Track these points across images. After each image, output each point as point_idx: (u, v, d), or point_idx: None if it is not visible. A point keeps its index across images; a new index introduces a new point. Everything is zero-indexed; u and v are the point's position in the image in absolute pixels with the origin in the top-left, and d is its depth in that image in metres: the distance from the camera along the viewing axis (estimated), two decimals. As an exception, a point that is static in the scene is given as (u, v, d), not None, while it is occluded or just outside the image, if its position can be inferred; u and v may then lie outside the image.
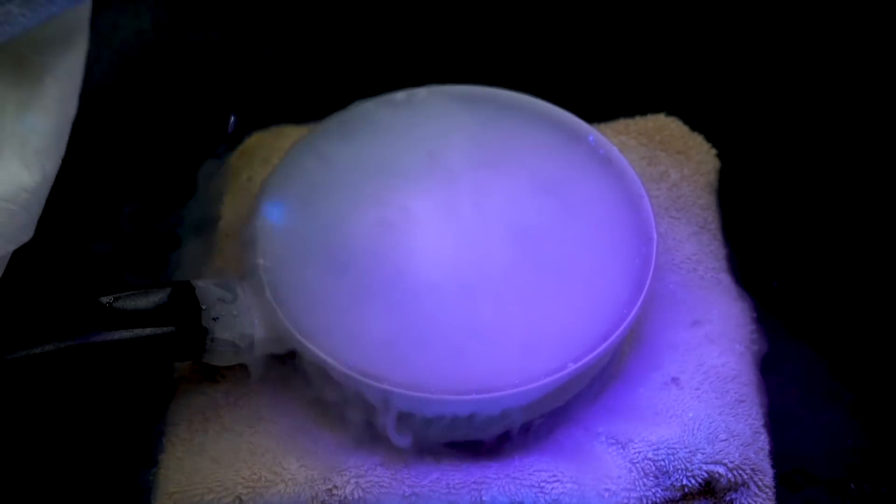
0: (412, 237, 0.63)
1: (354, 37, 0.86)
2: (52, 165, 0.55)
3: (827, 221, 0.76)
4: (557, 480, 0.60)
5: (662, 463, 0.60)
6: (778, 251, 0.75)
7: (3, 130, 0.53)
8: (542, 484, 0.60)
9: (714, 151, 0.74)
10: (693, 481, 0.60)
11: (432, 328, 0.60)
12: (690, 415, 0.62)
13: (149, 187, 0.78)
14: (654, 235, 0.63)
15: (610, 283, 0.62)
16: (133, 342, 0.58)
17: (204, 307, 0.60)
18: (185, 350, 0.59)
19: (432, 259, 0.62)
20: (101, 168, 0.79)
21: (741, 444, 0.61)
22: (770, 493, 0.61)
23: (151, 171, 0.79)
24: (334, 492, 0.60)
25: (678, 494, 0.60)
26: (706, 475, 0.60)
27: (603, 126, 0.74)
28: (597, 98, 0.80)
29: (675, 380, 0.64)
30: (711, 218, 0.71)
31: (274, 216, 0.64)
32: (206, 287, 0.60)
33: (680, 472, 0.60)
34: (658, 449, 0.60)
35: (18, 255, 0.70)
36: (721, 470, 0.60)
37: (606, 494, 0.60)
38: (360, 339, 0.59)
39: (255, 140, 0.75)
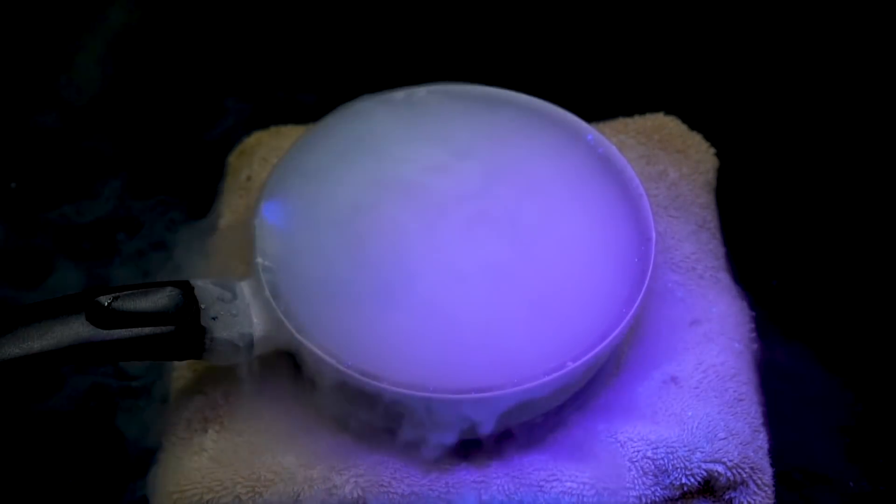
0: (411, 236, 0.63)
1: (354, 36, 0.87)
2: None
3: (826, 220, 0.76)
4: (557, 479, 0.60)
5: (662, 462, 0.60)
6: (777, 250, 0.75)
7: None
8: (542, 483, 0.60)
9: (713, 150, 0.74)
10: (692, 480, 0.60)
11: (431, 327, 0.60)
12: (689, 413, 0.62)
13: (148, 186, 0.79)
14: (653, 234, 0.63)
15: (609, 282, 0.62)
16: (132, 342, 0.58)
17: (203, 306, 0.60)
18: (184, 349, 0.59)
19: (431, 258, 0.62)
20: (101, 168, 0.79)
21: (740, 443, 0.61)
22: (769, 492, 0.61)
23: (152, 171, 0.80)
24: (334, 491, 0.60)
25: (677, 493, 0.60)
26: (705, 474, 0.60)
27: (602, 125, 0.74)
28: (596, 97, 0.80)
29: (674, 378, 0.64)
30: (710, 217, 0.71)
31: (273, 216, 0.64)
32: (205, 286, 0.61)
33: (679, 470, 0.60)
34: (657, 448, 0.60)
35: (18, 255, 0.70)
36: (720, 468, 0.60)
37: (606, 493, 0.60)
38: (359, 338, 0.59)
39: (254, 139, 0.75)
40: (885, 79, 0.82)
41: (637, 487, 0.60)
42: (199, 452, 0.61)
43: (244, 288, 0.62)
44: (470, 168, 0.66)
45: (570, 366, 0.58)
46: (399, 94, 0.69)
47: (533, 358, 0.59)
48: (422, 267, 0.62)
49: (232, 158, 0.75)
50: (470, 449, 0.61)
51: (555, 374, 0.58)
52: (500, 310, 0.61)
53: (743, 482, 0.60)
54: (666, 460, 0.60)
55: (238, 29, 0.87)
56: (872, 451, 0.66)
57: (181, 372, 0.65)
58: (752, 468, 0.60)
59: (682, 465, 0.60)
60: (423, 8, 0.86)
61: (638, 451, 0.61)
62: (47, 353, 0.56)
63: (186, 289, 0.60)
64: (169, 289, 0.59)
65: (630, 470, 0.60)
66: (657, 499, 0.60)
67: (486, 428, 0.61)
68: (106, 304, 0.57)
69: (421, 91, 0.69)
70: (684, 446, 0.60)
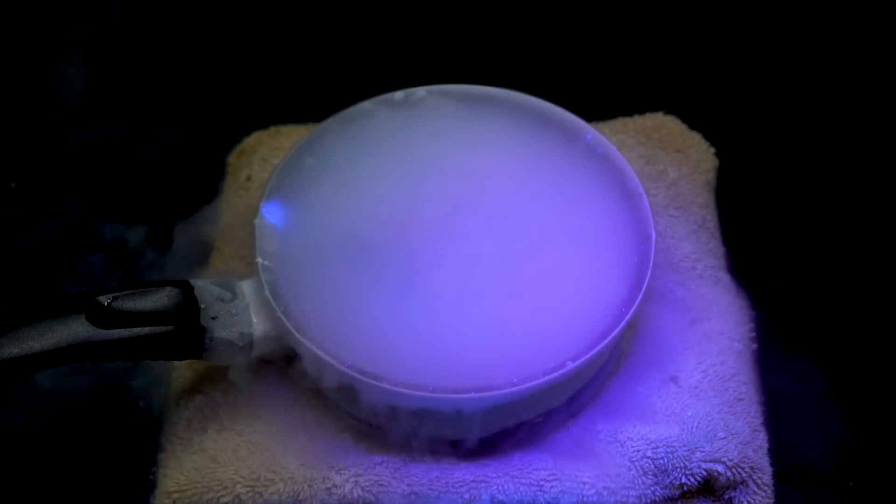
0: (411, 236, 0.63)
1: (353, 36, 0.87)
2: None
3: (825, 220, 0.76)
4: (556, 479, 0.60)
5: (661, 461, 0.60)
6: (776, 249, 0.75)
7: None
8: (542, 482, 0.60)
9: (712, 150, 0.74)
10: (692, 479, 0.60)
11: (431, 327, 0.60)
12: (689, 413, 0.62)
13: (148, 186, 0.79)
14: (653, 234, 0.63)
15: (608, 282, 0.62)
16: (132, 341, 0.58)
17: (203, 306, 0.60)
18: (183, 349, 0.59)
19: (431, 258, 0.62)
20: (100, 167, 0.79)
21: (740, 443, 0.61)
22: (769, 491, 0.61)
23: (151, 171, 0.80)
24: (333, 490, 0.60)
25: (677, 493, 0.60)
26: (705, 473, 0.60)
27: (601, 125, 0.74)
28: (595, 97, 0.80)
29: (673, 378, 0.64)
30: (710, 216, 0.71)
31: (273, 216, 0.64)
32: (205, 286, 0.61)
33: (679, 470, 0.60)
34: (657, 447, 0.60)
35: (18, 256, 0.70)
36: (720, 468, 0.60)
37: (605, 493, 0.60)
38: (358, 338, 0.59)
39: (254, 139, 0.75)
40: (886, 79, 0.82)
41: (637, 487, 0.60)
42: (199, 452, 0.62)
43: (244, 288, 0.62)
44: (469, 168, 0.66)
45: (570, 365, 0.58)
46: (399, 95, 0.69)
47: (532, 358, 0.59)
48: (421, 267, 0.62)
49: (232, 158, 0.75)
50: (470, 448, 0.61)
51: (554, 374, 0.58)
52: (499, 309, 0.61)
53: (743, 482, 0.60)
54: (666, 460, 0.60)
55: (238, 29, 0.87)
56: (872, 450, 0.66)
57: (181, 372, 0.65)
58: (751, 468, 0.60)
59: (682, 464, 0.60)
60: (422, 8, 0.86)
61: (638, 451, 0.61)
62: (47, 352, 0.56)
63: (186, 288, 0.60)
64: (168, 288, 0.59)
65: (630, 469, 0.60)
66: (657, 498, 0.60)
67: (486, 427, 0.61)
68: (106, 303, 0.57)
69: (420, 91, 0.69)
70: (684, 446, 0.60)
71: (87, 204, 0.77)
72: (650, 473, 0.60)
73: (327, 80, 0.84)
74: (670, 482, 0.60)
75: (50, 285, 0.73)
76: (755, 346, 0.66)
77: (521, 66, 0.84)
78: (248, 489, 0.60)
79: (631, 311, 0.60)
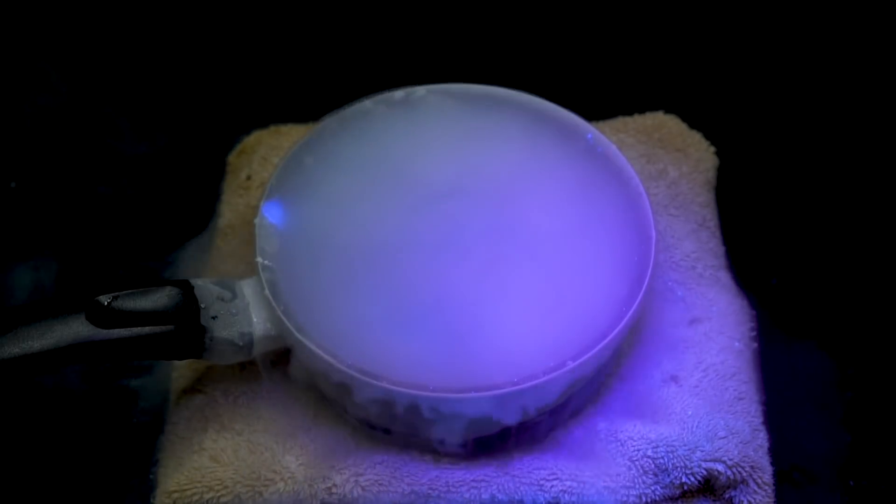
0: (411, 236, 0.63)
1: (353, 36, 0.86)
2: None
3: (826, 219, 0.76)
4: (557, 478, 0.60)
5: (662, 461, 0.60)
6: (777, 248, 0.75)
7: None
8: (542, 482, 0.60)
9: (713, 149, 0.74)
10: (692, 479, 0.60)
11: (431, 327, 0.60)
12: (689, 412, 0.62)
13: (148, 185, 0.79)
14: (653, 233, 0.63)
15: (608, 281, 0.62)
16: (132, 341, 0.58)
17: (203, 306, 0.60)
18: (183, 349, 0.59)
19: (431, 258, 0.62)
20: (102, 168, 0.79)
21: (740, 442, 0.61)
22: (769, 491, 0.61)
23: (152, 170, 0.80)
24: (333, 490, 0.60)
25: (677, 492, 0.60)
26: (705, 473, 0.60)
27: (601, 124, 0.74)
28: (595, 96, 0.80)
29: (674, 377, 0.64)
30: (710, 215, 0.71)
31: (273, 215, 0.64)
32: (205, 286, 0.61)
33: (679, 469, 0.60)
34: (657, 447, 0.60)
35: (17, 255, 0.70)
36: (720, 467, 0.60)
37: (606, 492, 0.60)
38: (359, 337, 0.59)
39: (254, 139, 0.75)
40: (886, 79, 0.82)
41: (637, 486, 0.60)
42: (200, 451, 0.62)
43: (244, 287, 0.62)
44: (469, 167, 0.66)
45: (570, 365, 0.58)
46: (398, 94, 0.69)
47: (533, 357, 0.59)
48: (422, 266, 0.62)
49: (232, 158, 0.75)
50: (470, 448, 0.61)
51: (555, 374, 0.58)
52: (500, 309, 0.61)
53: (743, 481, 0.60)
54: (666, 459, 0.60)
55: (238, 28, 0.87)
56: (873, 449, 0.66)
57: (181, 371, 0.65)
58: (752, 467, 0.60)
59: (682, 463, 0.60)
60: (422, 7, 0.86)
61: (638, 450, 0.61)
62: (47, 352, 0.56)
63: (186, 288, 0.60)
64: (168, 288, 0.59)
65: (630, 469, 0.60)
66: (657, 498, 0.60)
67: (486, 427, 0.61)
68: (106, 303, 0.57)
69: (420, 90, 0.69)
70: (684, 445, 0.60)
71: (87, 203, 0.77)
72: (650, 473, 0.60)
73: (327, 79, 0.84)
74: (670, 481, 0.60)
75: (49, 285, 0.73)
76: (755, 345, 0.66)
77: (522, 65, 0.84)
78: (249, 489, 0.60)
79: (631, 311, 0.60)
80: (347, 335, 0.59)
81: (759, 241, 0.75)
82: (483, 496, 0.60)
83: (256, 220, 0.63)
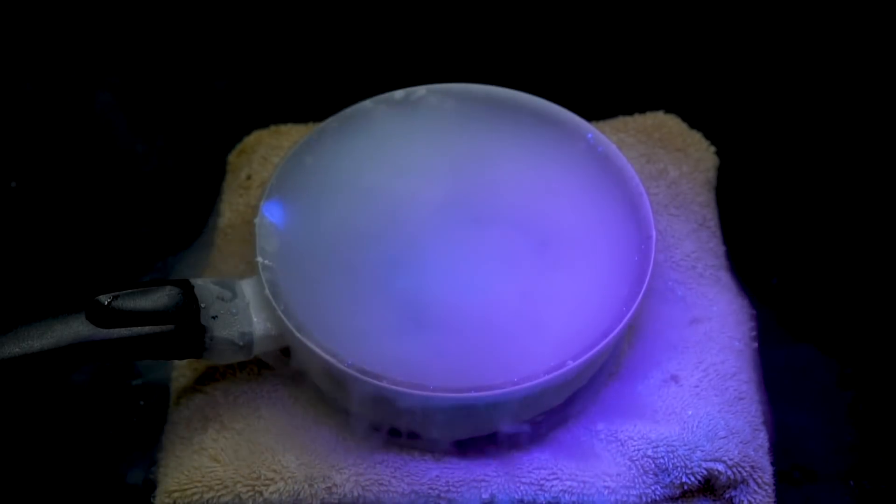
0: (411, 235, 0.63)
1: (353, 35, 0.87)
2: None
3: (826, 218, 0.76)
4: (557, 478, 0.60)
5: (662, 460, 0.60)
6: (777, 248, 0.75)
7: None
8: (542, 482, 0.60)
9: (713, 149, 0.74)
10: (692, 479, 0.60)
11: (431, 326, 0.60)
12: (690, 412, 0.62)
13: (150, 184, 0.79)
14: (653, 233, 0.63)
15: (609, 281, 0.62)
16: (132, 341, 0.58)
17: (203, 305, 0.60)
18: (184, 348, 0.59)
19: (431, 258, 0.62)
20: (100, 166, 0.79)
21: (740, 442, 0.61)
22: (769, 490, 0.61)
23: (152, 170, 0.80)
24: (334, 490, 0.60)
25: (678, 492, 0.60)
26: (706, 472, 0.60)
27: (601, 124, 0.74)
28: (595, 96, 0.80)
29: (674, 377, 0.64)
30: (710, 215, 0.71)
31: (274, 215, 0.64)
32: (205, 285, 0.61)
33: (679, 469, 0.60)
34: (657, 446, 0.60)
35: (17, 255, 0.70)
36: (720, 467, 0.60)
37: (606, 492, 0.60)
38: (359, 337, 0.59)
39: (254, 138, 0.75)
40: (885, 78, 0.82)
41: (637, 486, 0.60)
42: (200, 451, 0.62)
43: (244, 287, 0.62)
44: (469, 167, 0.66)
45: (570, 364, 0.58)
46: (399, 94, 0.69)
47: (533, 357, 0.59)
48: (422, 266, 0.62)
49: (232, 157, 0.75)
50: (470, 447, 0.61)
51: (555, 373, 0.58)
52: (499, 308, 0.61)
53: (743, 481, 0.60)
54: (666, 459, 0.60)
55: (238, 28, 0.87)
56: (873, 449, 0.66)
57: (181, 371, 0.65)
58: (752, 467, 0.60)
59: (682, 463, 0.60)
60: (422, 7, 0.86)
61: (638, 450, 0.61)
62: (47, 352, 0.56)
63: (186, 288, 0.60)
64: (168, 288, 0.59)
65: (630, 469, 0.60)
66: (657, 497, 0.60)
67: (487, 427, 0.61)
68: (106, 303, 0.57)
69: (421, 90, 0.69)
70: (684, 445, 0.60)
71: (87, 203, 0.77)
72: (650, 472, 0.60)
73: (327, 79, 0.84)
74: (671, 481, 0.60)
75: (49, 285, 0.73)
76: (755, 344, 0.66)
77: (522, 65, 0.84)
78: (249, 488, 0.60)
79: (631, 311, 0.60)
80: (347, 335, 0.59)
81: (759, 240, 0.75)
82: (483, 496, 0.60)
83: (256, 220, 0.63)
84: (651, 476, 0.60)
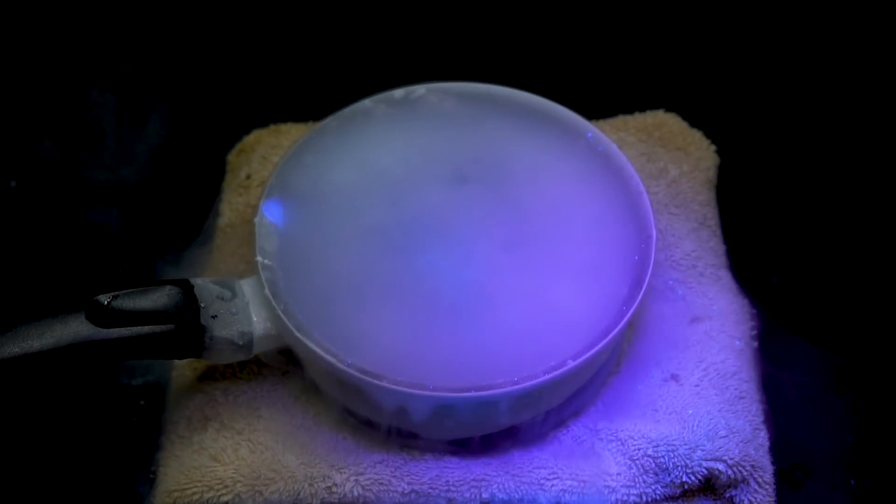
0: (411, 235, 0.63)
1: (352, 34, 0.86)
2: None
3: (826, 217, 0.76)
4: (557, 477, 0.60)
5: (662, 460, 0.60)
6: (777, 247, 0.75)
7: None
8: (542, 481, 0.60)
9: (713, 148, 0.74)
10: (693, 478, 0.60)
11: (431, 326, 0.60)
12: (690, 411, 0.62)
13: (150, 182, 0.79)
14: (653, 232, 0.63)
15: (609, 280, 0.62)
16: (132, 341, 0.58)
17: (202, 305, 0.60)
18: (183, 348, 0.59)
19: (431, 256, 0.62)
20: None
21: (741, 441, 0.61)
22: (770, 490, 0.61)
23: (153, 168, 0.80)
24: (334, 489, 0.60)
25: (678, 491, 0.60)
26: (706, 472, 0.60)
27: (602, 123, 0.74)
28: (595, 95, 0.80)
29: (674, 376, 0.64)
30: (711, 214, 0.71)
31: (273, 214, 0.64)
32: (205, 285, 0.60)
33: (680, 468, 0.60)
34: (658, 446, 0.60)
35: (17, 255, 0.70)
36: (721, 467, 0.60)
37: (606, 491, 0.60)
38: (358, 336, 0.59)
39: (253, 138, 0.75)
40: (886, 76, 0.82)
41: (638, 485, 0.60)
42: (200, 451, 0.62)
43: (244, 286, 0.62)
44: (469, 166, 0.66)
45: (570, 364, 0.58)
46: (398, 93, 0.69)
47: (533, 356, 0.59)
48: (422, 265, 0.62)
49: (231, 157, 0.75)
50: (470, 447, 0.61)
51: (555, 373, 0.58)
52: (499, 308, 0.61)
53: (744, 480, 0.60)
54: (667, 458, 0.60)
55: (237, 27, 0.87)
56: (873, 448, 0.66)
57: (181, 371, 0.65)
58: (752, 466, 0.60)
59: (682, 463, 0.60)
60: (422, 6, 0.86)
61: (639, 450, 0.61)
62: (47, 352, 0.56)
63: (186, 287, 0.60)
64: (168, 287, 0.59)
65: (631, 468, 0.60)
66: (658, 497, 0.60)
67: (487, 426, 0.61)
68: (105, 303, 0.57)
69: (420, 89, 0.69)
70: (685, 444, 0.60)
71: (86, 203, 0.77)
72: (651, 472, 0.60)
73: (326, 78, 0.84)
74: (671, 481, 0.60)
75: (49, 285, 0.73)
76: (756, 344, 0.66)
77: (522, 63, 0.84)
78: (249, 488, 0.60)
79: (631, 310, 0.60)
80: (347, 334, 0.59)
81: (759, 239, 0.75)
82: (483, 495, 0.60)
83: (256, 219, 0.63)
84: (651, 475, 0.60)
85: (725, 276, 0.69)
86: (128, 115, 0.82)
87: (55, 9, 0.86)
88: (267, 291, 0.60)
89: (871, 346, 0.70)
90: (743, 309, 0.67)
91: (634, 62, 0.84)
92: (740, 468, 0.60)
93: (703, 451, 0.60)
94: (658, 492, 0.60)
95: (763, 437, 0.62)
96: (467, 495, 0.60)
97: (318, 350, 0.59)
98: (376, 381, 0.58)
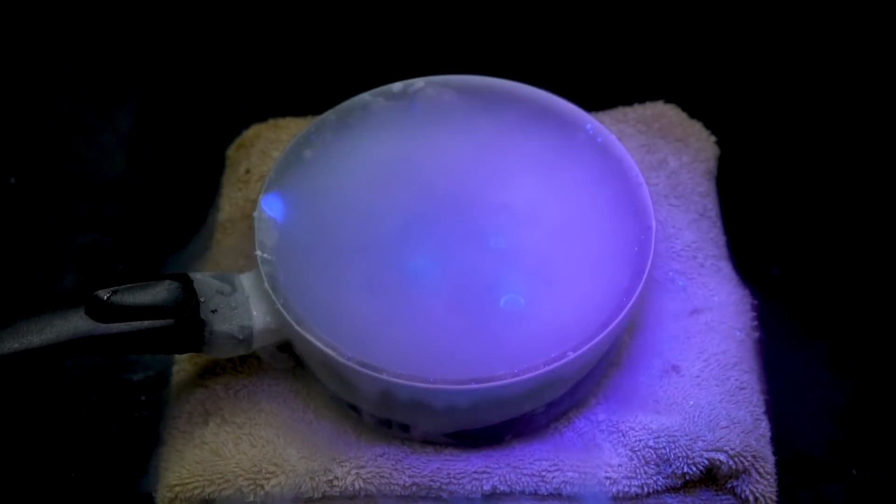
0: (411, 228, 0.63)
1: (350, 28, 0.86)
2: None
3: (826, 208, 0.76)
4: (558, 469, 0.60)
5: (663, 451, 0.60)
6: (778, 238, 0.75)
7: None
8: (544, 473, 0.60)
9: (713, 139, 0.74)
10: (694, 469, 0.60)
11: (431, 318, 0.60)
12: (691, 402, 0.62)
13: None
14: (653, 223, 0.63)
15: (609, 272, 0.62)
16: (132, 335, 0.58)
17: (202, 300, 0.60)
18: (183, 342, 0.59)
19: (431, 249, 0.62)
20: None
21: (742, 432, 0.61)
22: (771, 480, 0.60)
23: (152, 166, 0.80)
24: (335, 483, 0.60)
25: (679, 482, 0.60)
26: (707, 463, 0.60)
27: (601, 114, 0.74)
28: (595, 86, 0.80)
29: (675, 368, 0.64)
30: (711, 205, 0.71)
31: (272, 209, 0.64)
32: (204, 279, 0.61)
33: (681, 459, 0.60)
34: (659, 437, 0.60)
35: (16, 250, 0.70)
36: (722, 457, 0.60)
37: (607, 483, 0.60)
38: (358, 330, 0.59)
39: (252, 132, 0.75)
40: (885, 67, 0.82)
41: (639, 477, 0.60)
42: (201, 445, 0.62)
43: (243, 281, 0.62)
44: (468, 158, 0.66)
45: (571, 356, 0.58)
46: (397, 86, 0.69)
47: (533, 348, 0.59)
48: (421, 258, 0.62)
49: (230, 152, 0.75)
50: (471, 439, 0.61)
51: (555, 365, 0.58)
52: (500, 300, 0.61)
53: (745, 470, 0.60)
54: (668, 449, 0.60)
55: (236, 22, 0.87)
56: (875, 438, 0.66)
57: (182, 365, 0.65)
58: (754, 456, 0.60)
59: (683, 454, 0.60)
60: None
61: (640, 441, 0.61)
62: (47, 347, 0.56)
63: (185, 282, 0.60)
64: (168, 282, 0.59)
65: (632, 459, 0.60)
66: (659, 488, 0.60)
67: (488, 418, 0.61)
68: (105, 297, 0.57)
69: (419, 82, 0.69)
70: (686, 435, 0.60)
71: (85, 198, 0.77)
72: (652, 463, 0.60)
73: (325, 72, 0.84)
74: (672, 472, 0.60)
75: (49, 279, 0.73)
76: (757, 334, 0.66)
77: (520, 55, 0.84)
78: (250, 482, 0.60)
79: (632, 301, 0.60)
80: (347, 328, 0.59)
81: (760, 230, 0.75)
82: (485, 488, 0.60)
83: (255, 214, 0.63)
84: (653, 466, 0.60)
85: (726, 267, 0.69)
86: (127, 110, 0.82)
87: (56, 6, 0.86)
88: (266, 286, 0.60)
89: (871, 336, 0.70)
90: (743, 300, 0.67)
91: (633, 53, 0.84)
92: (741, 459, 0.60)
93: (704, 441, 0.60)
94: (659, 483, 0.60)
95: (764, 428, 0.62)
96: (469, 488, 0.60)
97: (318, 344, 0.59)
98: (376, 375, 0.58)
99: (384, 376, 0.58)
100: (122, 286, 0.58)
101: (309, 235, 0.63)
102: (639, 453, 0.60)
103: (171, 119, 0.82)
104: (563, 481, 0.60)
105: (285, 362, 0.64)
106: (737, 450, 0.60)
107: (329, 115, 0.68)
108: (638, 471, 0.60)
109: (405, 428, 0.61)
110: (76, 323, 0.57)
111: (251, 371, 0.64)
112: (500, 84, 0.69)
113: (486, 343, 0.59)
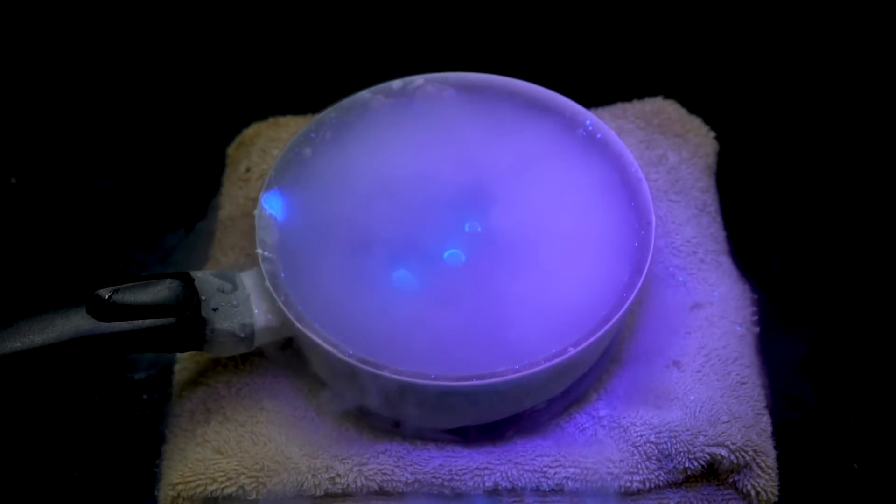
0: (411, 225, 0.63)
1: (350, 26, 0.86)
2: None
3: (826, 203, 0.76)
4: (560, 465, 0.60)
5: (665, 446, 0.60)
6: (777, 232, 0.75)
7: None
8: (545, 469, 0.60)
9: (713, 134, 0.74)
10: (695, 464, 0.60)
11: (432, 315, 0.60)
12: (692, 397, 0.62)
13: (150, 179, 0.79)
14: (653, 219, 0.63)
15: (609, 268, 0.62)
16: (133, 334, 0.58)
17: (203, 298, 0.60)
18: (185, 341, 0.60)
19: (431, 246, 0.62)
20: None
21: (743, 426, 0.61)
22: (773, 474, 0.61)
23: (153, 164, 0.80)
24: (337, 480, 0.60)
25: (681, 477, 0.60)
26: (708, 457, 0.60)
27: (600, 110, 0.74)
28: (594, 82, 0.80)
29: (676, 363, 0.64)
30: (711, 200, 0.71)
31: (273, 207, 0.64)
32: (206, 278, 0.61)
33: (682, 454, 0.60)
34: (660, 432, 0.60)
35: (18, 250, 0.70)
36: (723, 452, 0.60)
37: (609, 478, 0.60)
38: (360, 327, 0.59)
39: (252, 131, 0.75)
40: (885, 63, 0.82)
41: (640, 472, 0.60)
42: (203, 443, 0.62)
43: (244, 279, 0.62)
44: (468, 155, 0.66)
45: (572, 351, 0.58)
46: (396, 84, 0.69)
47: (534, 344, 0.59)
48: (421, 255, 0.62)
49: (231, 150, 0.75)
50: (473, 436, 0.61)
51: (556, 360, 0.58)
52: (500, 296, 0.61)
53: (746, 465, 0.60)
54: (669, 444, 0.60)
55: (236, 20, 0.87)
56: (876, 432, 0.66)
57: (183, 364, 0.65)
58: (755, 451, 0.60)
59: (685, 448, 0.60)
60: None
61: (641, 436, 0.61)
62: (48, 346, 0.56)
63: (187, 280, 0.60)
64: (169, 280, 0.59)
65: (633, 454, 0.60)
66: (661, 483, 0.60)
67: (489, 415, 0.61)
68: (106, 296, 0.57)
69: (418, 80, 0.69)
70: (687, 430, 0.60)
71: (87, 197, 0.77)
72: (653, 458, 0.60)
73: (325, 70, 0.84)
74: (674, 466, 0.60)
75: (51, 278, 0.73)
76: (757, 329, 0.66)
77: (519, 52, 0.84)
78: (252, 480, 0.60)
79: (632, 297, 0.60)
80: (348, 325, 0.59)
81: (760, 225, 0.75)
82: (487, 484, 0.60)
83: (256, 212, 0.63)
84: (654, 461, 0.60)
85: (726, 262, 0.69)
86: (127, 109, 0.83)
87: (56, 5, 0.86)
88: (268, 283, 0.60)
89: (872, 331, 0.70)
90: (744, 295, 0.67)
91: (632, 49, 0.84)
92: (743, 453, 0.60)
93: (705, 436, 0.60)
94: (661, 478, 0.60)
95: (765, 422, 0.62)
96: (471, 484, 0.60)
97: (320, 341, 0.59)
98: (378, 371, 0.58)
99: (385, 373, 0.58)
100: (124, 285, 0.58)
101: (310, 233, 0.63)
102: (640, 448, 0.60)
103: (171, 117, 0.82)
104: (564, 477, 0.60)
105: (288, 359, 0.64)
106: (738, 444, 0.60)
107: (329, 113, 0.68)
108: (639, 466, 0.60)
109: (407, 424, 0.61)
110: (78, 322, 0.57)
111: (253, 369, 0.64)
112: (500, 81, 0.69)
113: (487, 339, 0.59)
